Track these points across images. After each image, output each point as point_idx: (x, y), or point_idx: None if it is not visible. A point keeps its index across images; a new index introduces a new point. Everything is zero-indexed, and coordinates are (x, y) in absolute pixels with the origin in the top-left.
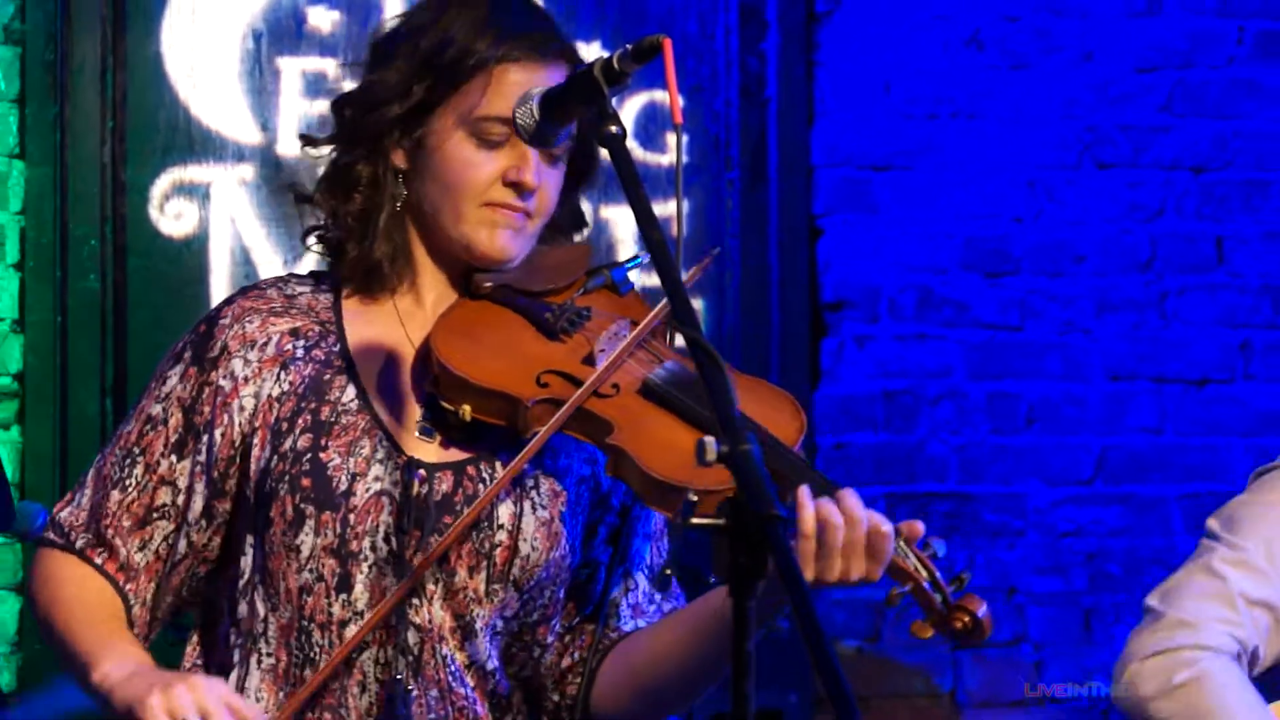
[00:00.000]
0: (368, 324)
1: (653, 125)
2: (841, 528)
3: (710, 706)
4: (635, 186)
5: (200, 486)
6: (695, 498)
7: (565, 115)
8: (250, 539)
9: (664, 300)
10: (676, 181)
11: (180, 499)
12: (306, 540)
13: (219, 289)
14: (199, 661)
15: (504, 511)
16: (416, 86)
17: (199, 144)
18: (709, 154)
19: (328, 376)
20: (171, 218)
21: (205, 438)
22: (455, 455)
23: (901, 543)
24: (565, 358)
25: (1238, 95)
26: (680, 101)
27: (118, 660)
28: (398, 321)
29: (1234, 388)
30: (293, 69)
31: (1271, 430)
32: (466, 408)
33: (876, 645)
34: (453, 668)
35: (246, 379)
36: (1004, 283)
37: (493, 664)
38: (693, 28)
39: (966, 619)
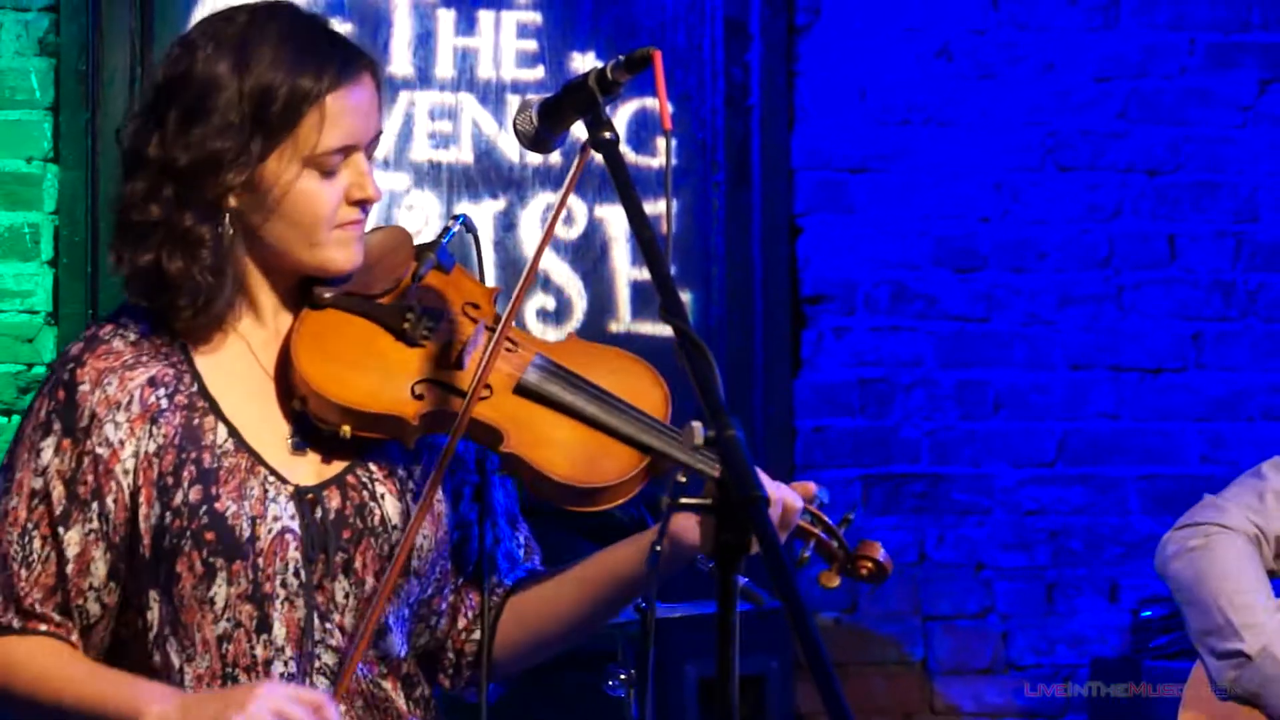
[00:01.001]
0: (216, 355)
1: (644, 131)
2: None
3: (697, 672)
4: (628, 187)
5: (99, 553)
6: (684, 478)
7: (562, 122)
8: (154, 593)
9: (516, 290)
10: (666, 183)
11: (69, 568)
12: (220, 591)
13: None
14: None
15: (393, 511)
16: (252, 144)
17: None
18: (696, 158)
19: (196, 421)
20: None
21: (95, 505)
22: (331, 468)
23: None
24: (432, 365)
25: (1189, 103)
26: (669, 109)
27: (155, 697)
28: (244, 345)
29: (1186, 376)
30: None
31: (1222, 416)
32: (346, 428)
33: (853, 616)
34: (369, 674)
35: (122, 441)
36: (972, 278)
37: (403, 651)
38: (681, 40)
39: (869, 564)
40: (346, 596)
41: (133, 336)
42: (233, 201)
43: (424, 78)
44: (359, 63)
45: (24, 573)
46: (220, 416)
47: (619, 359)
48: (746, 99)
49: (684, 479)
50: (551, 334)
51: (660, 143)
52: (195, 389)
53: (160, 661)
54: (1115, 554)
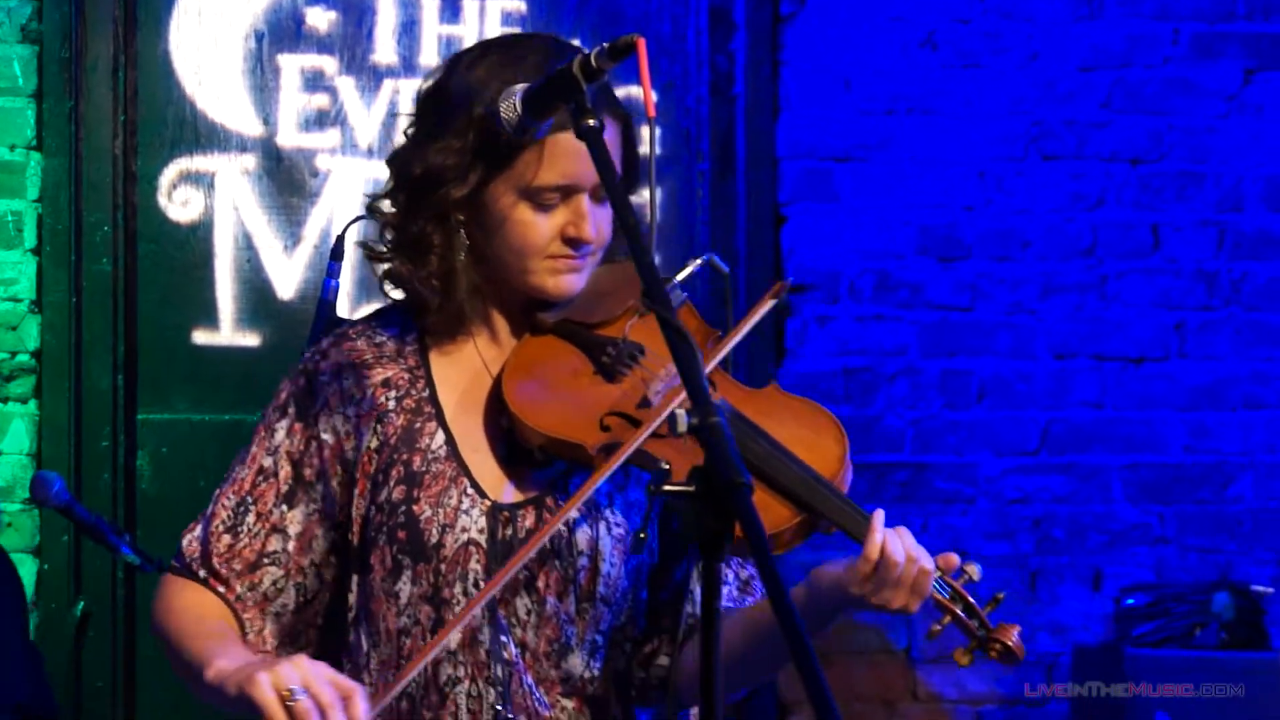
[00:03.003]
0: (452, 367)
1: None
2: (902, 565)
3: None
4: (612, 175)
5: (321, 531)
6: (667, 465)
7: (546, 110)
8: (355, 578)
9: (727, 335)
10: (650, 172)
11: (291, 545)
12: (404, 588)
13: (223, 272)
14: None
15: (582, 538)
16: (474, 168)
17: (204, 136)
18: (681, 146)
19: (418, 424)
20: (179, 205)
21: (320, 486)
22: (533, 491)
23: (939, 576)
24: (622, 399)
25: (1172, 93)
26: (654, 97)
27: (229, 658)
28: (480, 362)
29: (1169, 365)
30: (292, 66)
31: (1204, 405)
32: (538, 450)
33: None
34: (536, 694)
35: (348, 434)
36: (956, 267)
37: (588, 673)
38: (666, 29)
39: (1000, 647)
40: (528, 613)
41: (379, 339)
42: (461, 215)
43: (408, 65)
44: (597, 106)
45: (227, 538)
46: (442, 423)
47: (807, 412)
48: (731, 88)
49: (667, 466)
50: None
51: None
52: (426, 394)
53: (354, 642)
54: (1098, 542)
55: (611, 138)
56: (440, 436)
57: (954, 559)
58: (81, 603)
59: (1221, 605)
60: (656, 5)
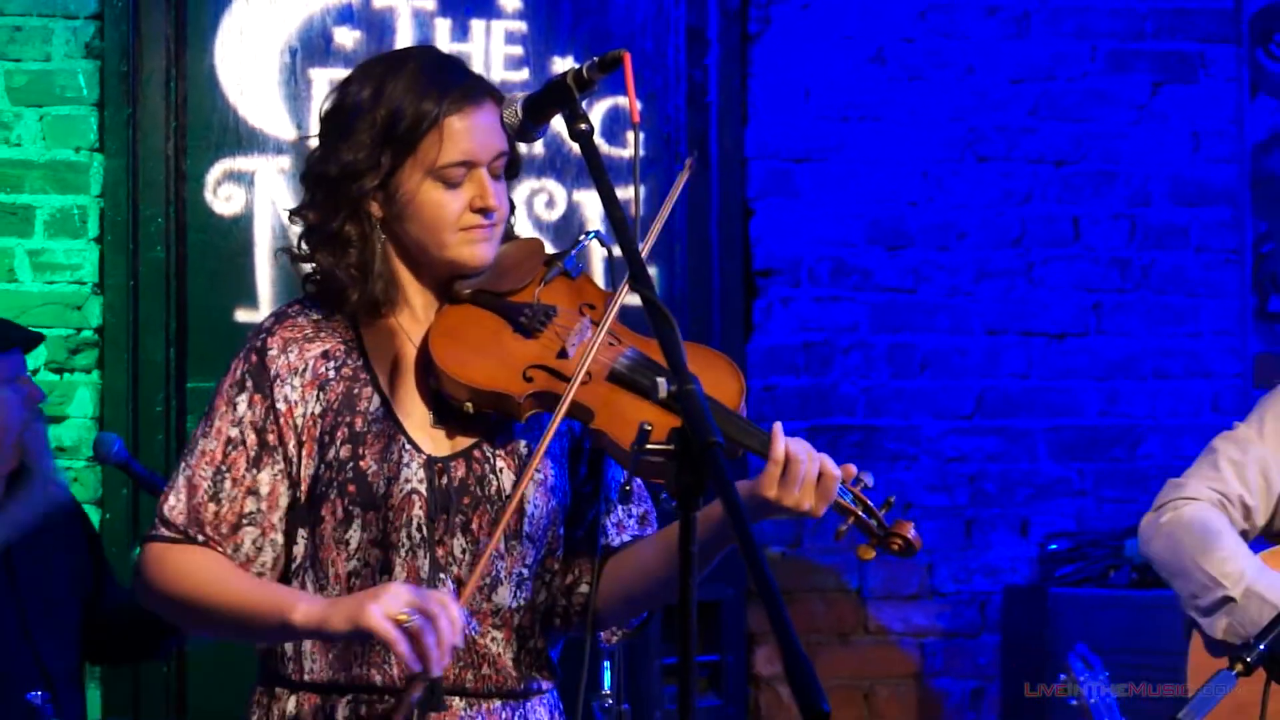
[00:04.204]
0: (380, 340)
1: (616, 125)
2: (805, 463)
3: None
4: (601, 174)
5: (284, 489)
6: (649, 426)
7: (543, 116)
8: (302, 532)
9: (618, 290)
10: (634, 171)
11: (263, 505)
12: (354, 535)
13: (262, 258)
14: None
15: (507, 483)
16: (383, 157)
17: (245, 140)
18: (662, 149)
19: (355, 390)
20: (223, 200)
21: (280, 450)
22: (461, 443)
23: (840, 484)
24: (542, 353)
25: (1090, 102)
26: (638, 105)
27: (306, 600)
28: (404, 335)
29: (1087, 340)
30: (322, 78)
31: (1118, 375)
32: (469, 404)
33: (797, 550)
34: (472, 625)
35: (295, 402)
36: (901, 255)
37: (515, 603)
38: (649, 46)
39: (900, 541)
40: (463, 552)
41: (315, 316)
42: (377, 210)
43: None
44: (479, 91)
45: (212, 505)
46: (377, 388)
47: (706, 356)
48: (705, 97)
49: (649, 427)
50: None
51: (630, 135)
52: (360, 363)
53: (298, 588)
54: (1026, 495)
55: (493, 119)
56: (376, 400)
57: (851, 469)
58: (139, 548)
59: (1133, 550)
60: (640, 24)
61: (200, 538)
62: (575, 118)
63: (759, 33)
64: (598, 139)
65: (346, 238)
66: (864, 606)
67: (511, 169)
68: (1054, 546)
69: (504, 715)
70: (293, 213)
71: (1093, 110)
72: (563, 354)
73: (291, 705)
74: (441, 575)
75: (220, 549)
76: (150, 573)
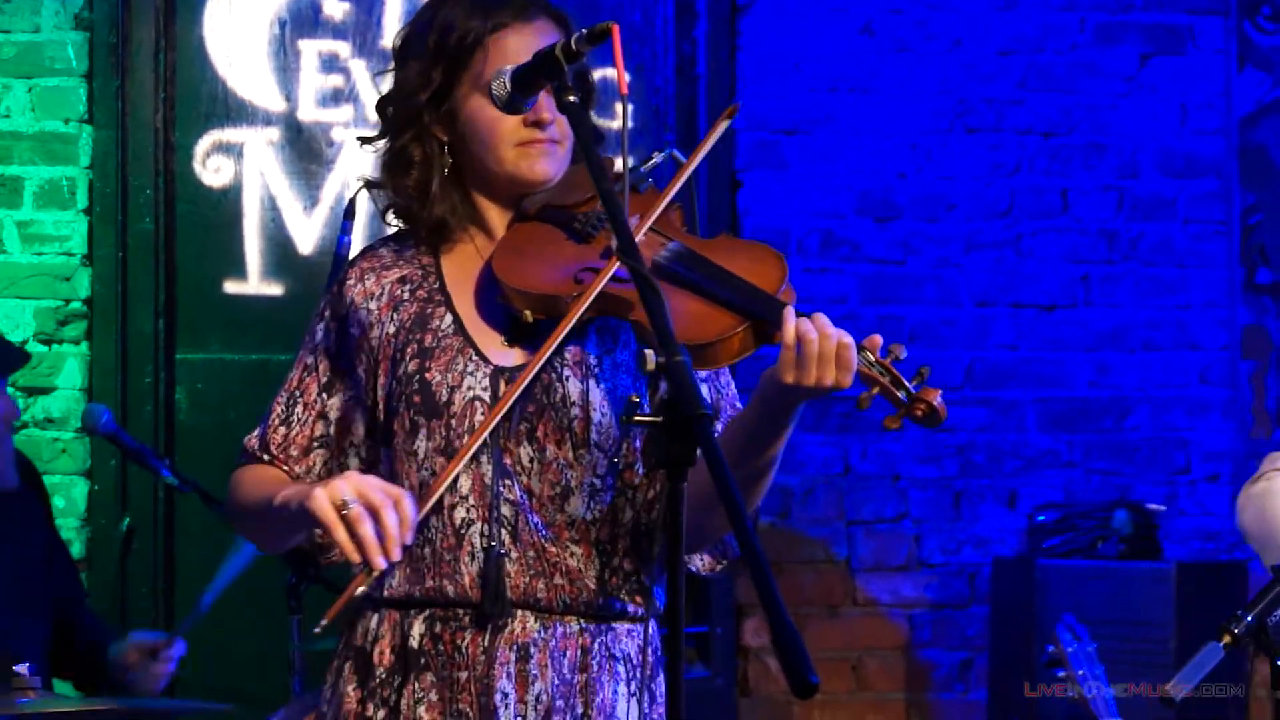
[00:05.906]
0: (457, 263)
1: (604, 97)
2: (816, 340)
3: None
4: (590, 147)
5: (358, 415)
6: (636, 398)
7: (532, 87)
8: (383, 451)
9: (665, 189)
10: (623, 142)
11: (333, 429)
12: (420, 445)
13: (251, 230)
14: None
15: (574, 390)
16: (434, 73)
17: (234, 111)
18: (651, 120)
19: (429, 310)
20: (212, 172)
21: (352, 376)
22: (530, 355)
23: (866, 353)
24: (589, 253)
25: (1079, 74)
26: (627, 77)
27: (294, 486)
28: (479, 256)
29: (1076, 312)
30: (310, 50)
31: (1107, 347)
32: (528, 312)
33: (786, 521)
34: (543, 532)
35: (371, 324)
36: (890, 226)
37: (589, 515)
38: (638, 18)
39: (924, 406)
40: (531, 460)
41: (396, 247)
42: (441, 134)
43: None
44: (531, 9)
45: (283, 429)
46: (450, 308)
47: (753, 248)
48: (694, 69)
49: (637, 399)
50: None
51: (619, 107)
52: (436, 285)
53: None
54: (1014, 466)
55: (547, 37)
56: (449, 318)
57: (878, 339)
58: (127, 519)
59: (1120, 521)
60: None
61: (265, 457)
62: (564, 89)
63: (748, 5)
64: None
65: (409, 158)
66: (852, 578)
67: (583, 92)
68: (1042, 518)
69: (582, 641)
70: (363, 140)
71: (1081, 82)
72: (607, 252)
73: (374, 623)
74: (508, 481)
75: (287, 469)
76: (228, 499)
